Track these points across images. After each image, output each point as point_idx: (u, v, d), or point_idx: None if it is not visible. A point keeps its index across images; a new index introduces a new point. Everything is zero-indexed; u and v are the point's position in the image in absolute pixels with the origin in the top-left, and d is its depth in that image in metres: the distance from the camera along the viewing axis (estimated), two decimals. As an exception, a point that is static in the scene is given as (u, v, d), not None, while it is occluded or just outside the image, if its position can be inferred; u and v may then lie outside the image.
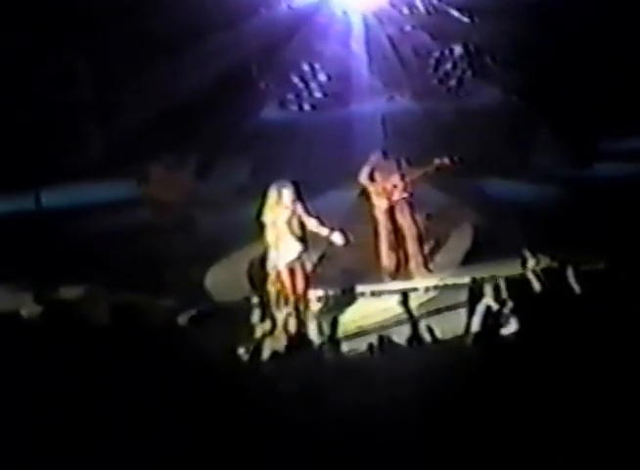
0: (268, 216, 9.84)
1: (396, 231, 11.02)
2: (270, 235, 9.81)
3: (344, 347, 9.39)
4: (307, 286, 9.91)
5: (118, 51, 12.53)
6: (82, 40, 12.55)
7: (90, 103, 12.98)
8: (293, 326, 9.64)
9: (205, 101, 12.96)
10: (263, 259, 10.03)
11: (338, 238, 9.75)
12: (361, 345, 9.26)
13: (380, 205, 11.04)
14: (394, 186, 11.00)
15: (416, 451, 5.21)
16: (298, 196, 9.83)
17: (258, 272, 10.31)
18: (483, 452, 5.18)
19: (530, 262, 9.34)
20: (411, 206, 11.04)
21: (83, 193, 12.57)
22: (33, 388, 5.45)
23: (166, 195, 11.26)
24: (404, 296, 10.25)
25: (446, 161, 11.10)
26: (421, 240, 11.04)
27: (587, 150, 13.49)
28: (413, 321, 9.83)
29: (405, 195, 11.02)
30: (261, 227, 9.92)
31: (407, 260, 11.06)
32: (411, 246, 11.01)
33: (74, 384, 5.55)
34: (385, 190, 11.00)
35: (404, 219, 11.03)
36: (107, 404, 5.37)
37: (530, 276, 9.06)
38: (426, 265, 11.02)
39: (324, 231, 9.73)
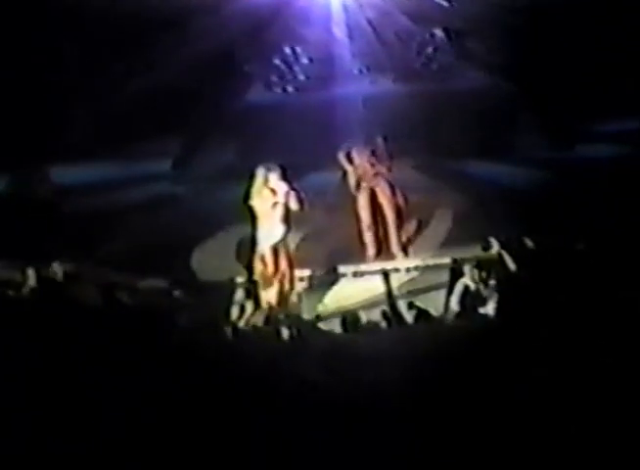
0: (255, 199, 10.01)
1: (375, 212, 11.16)
2: (256, 217, 9.98)
3: (326, 325, 9.53)
4: (291, 266, 10.08)
5: (104, 33, 12.54)
6: (68, 22, 12.55)
7: (77, 85, 12.99)
8: (276, 306, 9.80)
9: (191, 83, 12.99)
10: (251, 240, 10.18)
11: (293, 203, 9.95)
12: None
13: (355, 185, 11.21)
14: (370, 167, 11.18)
15: (395, 430, 5.32)
16: (284, 178, 9.99)
17: (245, 253, 10.45)
18: (465, 433, 5.26)
19: (495, 248, 9.45)
20: (392, 187, 11.19)
21: (72, 174, 12.64)
22: (24, 367, 5.56)
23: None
24: (386, 276, 10.41)
25: None
26: (399, 222, 11.19)
27: (569, 132, 13.52)
28: (394, 301, 9.99)
29: (379, 177, 11.19)
30: (249, 210, 10.07)
31: (388, 242, 11.21)
32: (390, 228, 11.16)
33: (63, 362, 5.67)
34: (360, 171, 11.19)
35: (384, 201, 11.17)
36: (93, 387, 5.48)
37: (506, 257, 9.18)
38: (404, 249, 11.15)
39: (282, 194, 9.89)
